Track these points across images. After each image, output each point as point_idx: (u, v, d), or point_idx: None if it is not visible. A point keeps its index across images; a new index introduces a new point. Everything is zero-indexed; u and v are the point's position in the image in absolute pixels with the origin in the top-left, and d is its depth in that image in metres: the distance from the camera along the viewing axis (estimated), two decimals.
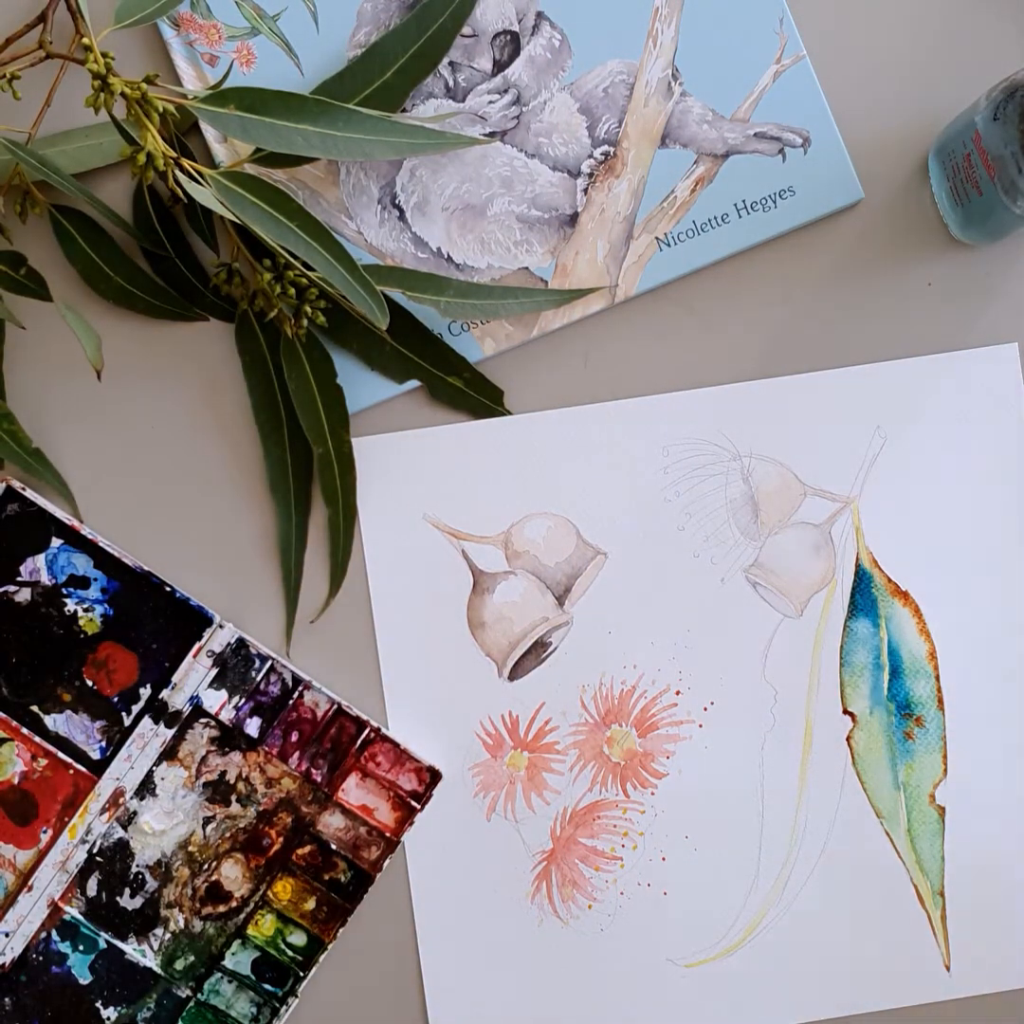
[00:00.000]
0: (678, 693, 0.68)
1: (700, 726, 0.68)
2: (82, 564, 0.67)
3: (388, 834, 0.66)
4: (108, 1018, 0.66)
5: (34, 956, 0.66)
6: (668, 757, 0.67)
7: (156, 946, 0.66)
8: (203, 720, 0.67)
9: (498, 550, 0.68)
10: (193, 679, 0.66)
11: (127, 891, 0.66)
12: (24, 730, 0.66)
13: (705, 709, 0.68)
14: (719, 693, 0.68)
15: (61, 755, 0.66)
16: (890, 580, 0.68)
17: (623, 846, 0.67)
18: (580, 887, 0.67)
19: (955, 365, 0.68)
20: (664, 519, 0.68)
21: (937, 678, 0.68)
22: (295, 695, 0.67)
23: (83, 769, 0.66)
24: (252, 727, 0.67)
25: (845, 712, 0.68)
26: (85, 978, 0.66)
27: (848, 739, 0.68)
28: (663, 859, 0.67)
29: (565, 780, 0.68)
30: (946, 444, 0.68)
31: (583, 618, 0.68)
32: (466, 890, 0.67)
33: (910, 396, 0.68)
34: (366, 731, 0.66)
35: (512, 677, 0.68)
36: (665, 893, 0.67)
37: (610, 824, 0.67)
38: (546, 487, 0.68)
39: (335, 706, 0.66)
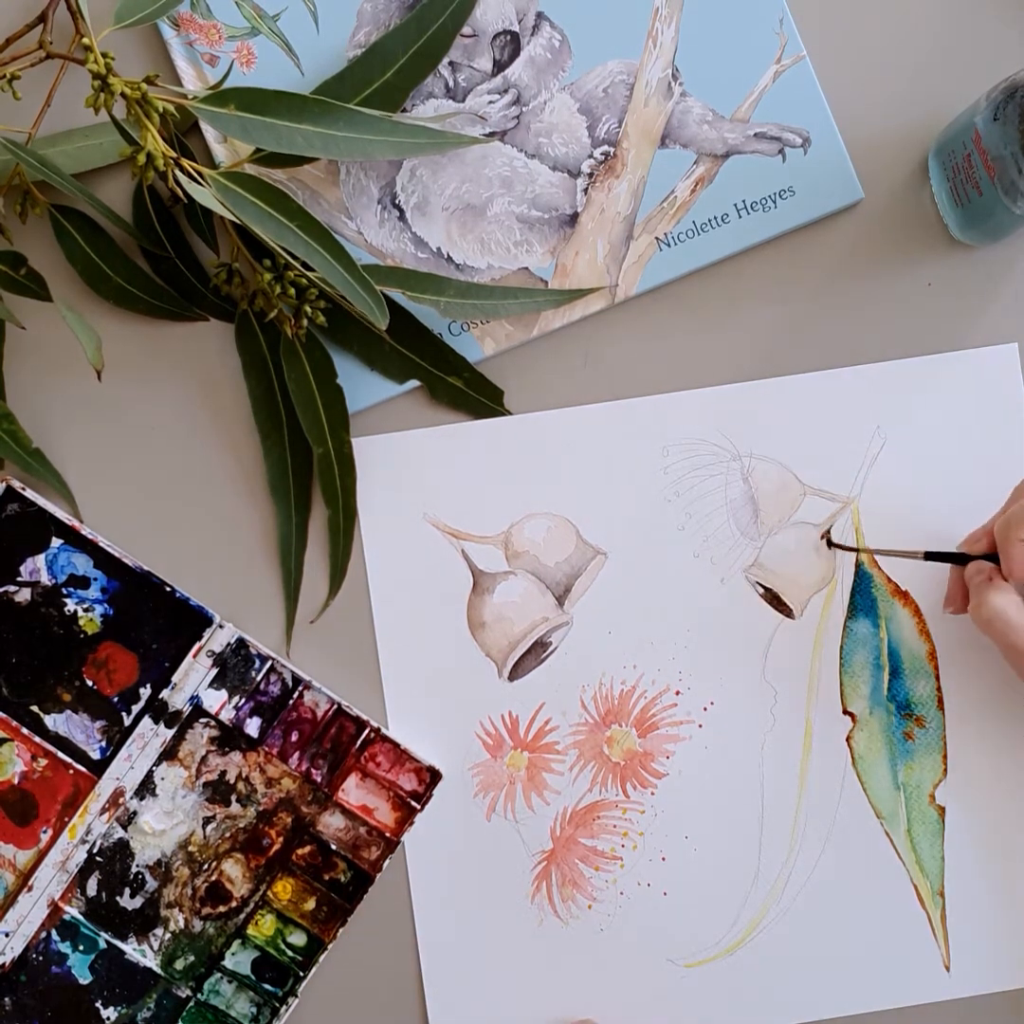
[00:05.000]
0: (678, 693, 0.68)
1: (700, 726, 0.68)
2: (82, 564, 0.67)
3: (388, 834, 0.66)
4: (108, 1018, 0.66)
5: (34, 956, 0.66)
6: (668, 757, 0.67)
7: (156, 946, 0.66)
8: (203, 720, 0.67)
9: (498, 550, 0.68)
10: (193, 679, 0.66)
11: (127, 891, 0.66)
12: (24, 730, 0.66)
13: (705, 709, 0.68)
14: (719, 693, 0.68)
15: (61, 755, 0.66)
16: (890, 580, 0.68)
17: (623, 846, 0.67)
18: (580, 887, 0.67)
19: (955, 365, 0.68)
20: (664, 519, 0.68)
21: (937, 678, 0.68)
22: (295, 695, 0.66)
23: (83, 769, 0.66)
24: (252, 727, 0.67)
25: (845, 712, 0.68)
26: (85, 978, 0.66)
27: (848, 739, 0.68)
28: (663, 859, 0.67)
29: (565, 780, 0.68)
30: (946, 444, 0.68)
31: (583, 618, 0.68)
32: (466, 890, 0.67)
33: (910, 396, 0.68)
34: (366, 731, 0.66)
35: (512, 677, 0.68)
36: (665, 893, 0.67)
37: (610, 824, 0.67)
38: (546, 487, 0.68)
39: (335, 706, 0.66)
